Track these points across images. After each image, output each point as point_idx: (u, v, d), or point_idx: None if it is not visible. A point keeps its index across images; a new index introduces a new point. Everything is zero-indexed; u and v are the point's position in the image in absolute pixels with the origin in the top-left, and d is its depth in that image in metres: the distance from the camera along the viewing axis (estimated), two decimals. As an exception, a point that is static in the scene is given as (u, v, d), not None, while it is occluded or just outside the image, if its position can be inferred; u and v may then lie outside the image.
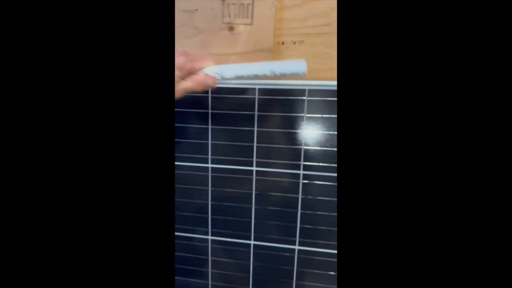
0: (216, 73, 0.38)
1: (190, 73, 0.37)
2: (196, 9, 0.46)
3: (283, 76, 0.36)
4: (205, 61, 0.38)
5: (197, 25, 0.47)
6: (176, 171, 0.49)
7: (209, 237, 0.50)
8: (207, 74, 0.38)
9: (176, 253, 0.51)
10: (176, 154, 0.49)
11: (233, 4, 0.45)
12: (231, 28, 0.46)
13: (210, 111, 0.48)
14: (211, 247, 0.50)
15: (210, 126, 0.48)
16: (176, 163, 0.49)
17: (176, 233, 0.51)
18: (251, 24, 0.45)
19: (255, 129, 0.46)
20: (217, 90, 0.48)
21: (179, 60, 0.35)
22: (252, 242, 0.48)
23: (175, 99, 0.36)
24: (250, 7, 0.44)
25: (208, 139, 0.48)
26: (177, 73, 0.35)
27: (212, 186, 0.49)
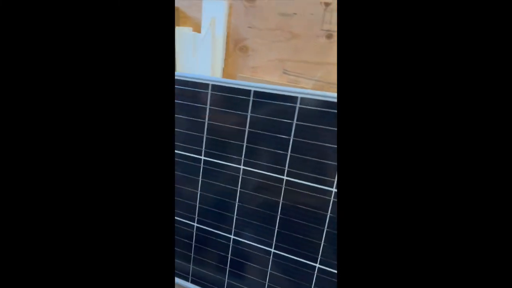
0: None
1: None
2: (295, 13, 0.44)
3: None
4: None
5: (292, 30, 0.44)
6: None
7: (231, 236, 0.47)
8: None
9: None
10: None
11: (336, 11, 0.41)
12: (329, 36, 0.42)
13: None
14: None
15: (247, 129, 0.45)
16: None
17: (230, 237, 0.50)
18: (352, 33, 0.41)
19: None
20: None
21: None
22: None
23: None
24: (355, 14, 0.40)
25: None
26: None
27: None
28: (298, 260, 0.46)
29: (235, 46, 0.49)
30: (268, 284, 0.48)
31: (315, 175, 0.43)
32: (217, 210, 0.50)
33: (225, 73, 0.51)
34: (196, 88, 0.46)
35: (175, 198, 0.52)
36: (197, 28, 0.50)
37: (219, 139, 0.48)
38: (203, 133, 0.49)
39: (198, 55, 0.49)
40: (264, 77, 0.49)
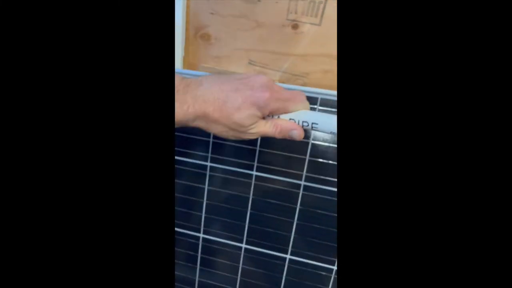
0: (306, 122, 0.29)
1: (272, 113, 0.29)
2: (259, 0, 0.41)
3: None
4: (297, 103, 0.29)
5: (257, 18, 0.42)
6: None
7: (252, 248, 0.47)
8: (295, 124, 0.29)
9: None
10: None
11: (302, 0, 0.39)
12: (295, 26, 0.41)
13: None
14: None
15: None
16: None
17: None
18: (319, 24, 0.40)
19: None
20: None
21: (262, 96, 0.27)
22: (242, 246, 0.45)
23: (243, 139, 0.30)
24: (321, 5, 0.39)
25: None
26: (256, 112, 0.27)
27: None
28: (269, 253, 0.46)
29: (196, 34, 0.46)
30: (241, 279, 0.48)
31: (285, 169, 0.43)
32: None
33: (186, 62, 0.48)
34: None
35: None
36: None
37: (183, 135, 0.45)
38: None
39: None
40: (228, 67, 0.46)
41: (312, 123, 0.29)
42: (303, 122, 0.29)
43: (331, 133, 0.29)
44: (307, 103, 0.30)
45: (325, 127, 0.29)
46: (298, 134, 0.29)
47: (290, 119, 0.29)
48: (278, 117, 0.30)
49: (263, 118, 0.29)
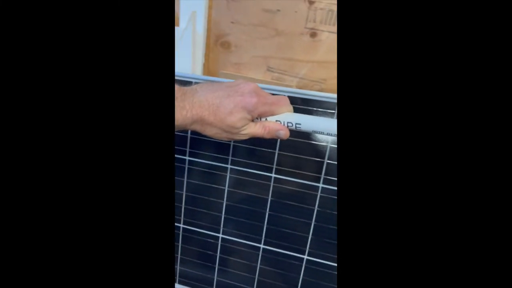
0: (291, 123, 0.33)
1: (260, 116, 0.33)
2: (279, 10, 0.43)
3: None
4: (281, 107, 0.33)
5: (276, 27, 0.44)
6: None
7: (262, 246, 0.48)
8: (281, 124, 0.33)
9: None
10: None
11: (321, 9, 0.41)
12: (313, 34, 0.43)
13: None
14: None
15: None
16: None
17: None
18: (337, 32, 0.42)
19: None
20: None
21: (250, 101, 0.30)
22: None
23: (235, 139, 0.33)
24: (339, 14, 0.41)
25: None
26: (246, 115, 0.31)
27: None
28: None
29: (216, 41, 0.48)
30: (258, 279, 0.50)
31: (303, 172, 0.44)
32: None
33: (206, 69, 0.50)
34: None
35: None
36: (175, 22, 0.48)
37: (204, 138, 0.47)
38: (187, 133, 0.47)
39: (178, 50, 0.47)
40: (247, 74, 0.48)
41: (296, 123, 0.33)
42: (288, 123, 0.33)
43: (312, 131, 0.33)
44: (290, 106, 0.34)
45: (307, 126, 0.33)
46: (284, 134, 0.33)
47: (276, 120, 0.33)
48: (266, 119, 0.33)
49: (253, 120, 0.33)
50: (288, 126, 0.33)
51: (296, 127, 0.33)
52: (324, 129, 0.32)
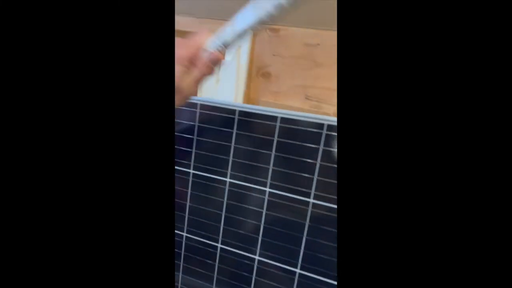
0: (218, 44, 0.33)
1: (192, 60, 0.33)
2: (319, 44, 0.46)
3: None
4: (201, 37, 0.33)
5: (316, 59, 0.47)
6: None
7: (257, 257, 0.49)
8: (210, 52, 0.33)
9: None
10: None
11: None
12: (351, 66, 0.45)
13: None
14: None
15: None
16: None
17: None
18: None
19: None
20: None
21: (176, 53, 0.30)
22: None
23: (193, 95, 0.34)
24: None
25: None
26: (180, 68, 0.31)
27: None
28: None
29: (258, 72, 0.51)
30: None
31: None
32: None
33: (247, 96, 0.53)
34: (223, 113, 0.48)
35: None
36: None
37: (246, 162, 0.49)
38: (229, 156, 0.50)
39: (222, 81, 0.51)
40: (286, 102, 0.51)
41: (217, 44, 0.32)
42: (216, 46, 0.33)
43: (238, 36, 0.32)
44: (209, 33, 0.33)
45: (228, 37, 0.32)
46: (216, 58, 0.33)
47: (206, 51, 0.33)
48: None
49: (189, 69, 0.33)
50: (218, 49, 0.33)
51: (225, 44, 0.33)
52: (245, 24, 0.31)
